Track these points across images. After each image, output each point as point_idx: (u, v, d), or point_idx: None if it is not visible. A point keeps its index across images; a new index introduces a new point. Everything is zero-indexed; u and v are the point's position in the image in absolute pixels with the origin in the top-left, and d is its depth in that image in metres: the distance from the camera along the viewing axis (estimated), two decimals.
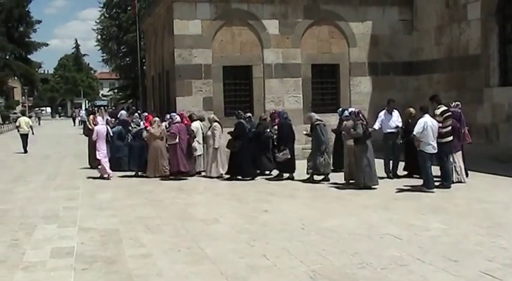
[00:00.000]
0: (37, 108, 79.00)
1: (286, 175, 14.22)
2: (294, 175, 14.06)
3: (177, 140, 14.35)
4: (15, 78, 58.32)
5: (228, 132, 14.41)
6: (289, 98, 18.80)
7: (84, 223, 9.57)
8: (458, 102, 13.55)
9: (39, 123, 57.66)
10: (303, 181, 13.63)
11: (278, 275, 6.49)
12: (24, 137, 24.58)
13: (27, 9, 54.02)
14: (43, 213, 10.52)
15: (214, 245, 7.85)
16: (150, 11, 24.32)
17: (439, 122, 12.00)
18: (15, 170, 18.03)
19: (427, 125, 11.61)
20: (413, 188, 12.10)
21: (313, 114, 14.11)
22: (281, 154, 13.68)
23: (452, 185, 12.22)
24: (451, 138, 12.27)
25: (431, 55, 19.16)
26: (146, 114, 17.34)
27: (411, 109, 13.92)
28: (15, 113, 50.80)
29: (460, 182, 12.64)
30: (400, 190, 12.10)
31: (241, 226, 9.08)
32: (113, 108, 48.82)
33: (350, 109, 13.51)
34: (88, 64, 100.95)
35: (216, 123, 14.70)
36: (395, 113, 14.01)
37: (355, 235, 8.25)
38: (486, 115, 16.80)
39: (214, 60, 18.10)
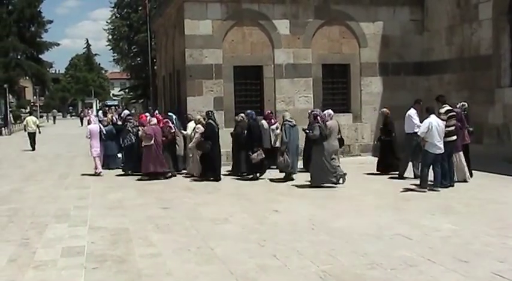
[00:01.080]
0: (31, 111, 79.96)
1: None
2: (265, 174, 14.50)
3: (152, 141, 14.53)
4: (27, 78, 58.45)
5: (200, 134, 14.50)
6: (299, 98, 18.75)
7: (94, 222, 9.63)
8: (464, 103, 13.57)
9: (54, 122, 62.93)
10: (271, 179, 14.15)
11: (288, 275, 6.50)
12: (32, 136, 25.88)
13: (38, 9, 53.93)
14: (54, 212, 10.60)
15: (224, 244, 7.87)
16: (161, 11, 24.35)
17: (443, 120, 12.08)
18: (26, 169, 18.14)
19: (432, 125, 11.68)
20: (416, 189, 12.12)
21: (286, 113, 14.52)
22: (255, 154, 13.92)
23: (454, 184, 12.35)
24: (454, 137, 12.38)
25: (442, 55, 19.05)
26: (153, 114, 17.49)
27: (385, 109, 14.92)
28: (26, 113, 51.24)
29: (464, 181, 12.78)
30: (409, 190, 12.09)
31: (251, 226, 9.09)
32: (125, 108, 49.01)
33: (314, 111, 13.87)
34: (99, 64, 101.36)
35: (199, 125, 14.82)
36: None
37: (364, 235, 8.24)
38: (497, 116, 16.69)
39: (225, 61, 18.08)
